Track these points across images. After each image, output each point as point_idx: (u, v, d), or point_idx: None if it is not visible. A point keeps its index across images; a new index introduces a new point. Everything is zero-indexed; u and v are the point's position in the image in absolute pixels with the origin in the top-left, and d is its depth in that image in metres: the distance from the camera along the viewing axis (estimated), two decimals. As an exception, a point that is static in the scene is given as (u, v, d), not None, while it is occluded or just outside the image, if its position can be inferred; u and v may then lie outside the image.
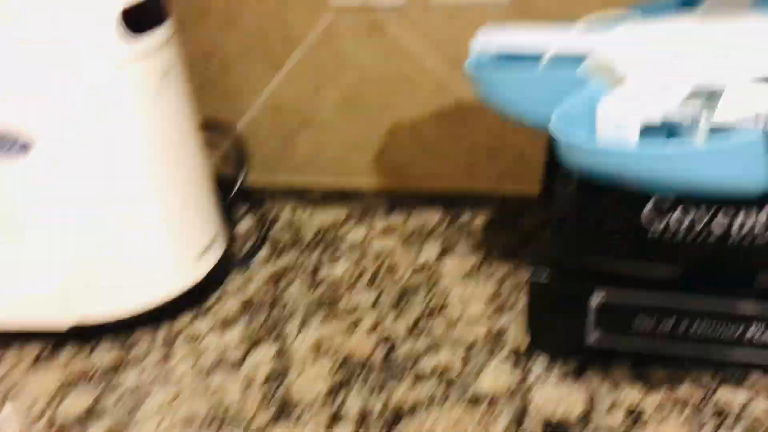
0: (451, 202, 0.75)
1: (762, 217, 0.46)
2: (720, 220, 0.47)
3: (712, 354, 0.50)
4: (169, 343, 0.59)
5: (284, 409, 0.51)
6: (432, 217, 0.73)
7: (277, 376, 0.54)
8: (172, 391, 0.54)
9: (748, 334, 0.48)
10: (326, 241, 0.71)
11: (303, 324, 0.60)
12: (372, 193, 0.78)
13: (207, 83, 0.76)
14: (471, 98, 0.71)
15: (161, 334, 0.60)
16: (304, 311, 0.61)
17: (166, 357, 0.57)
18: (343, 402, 0.52)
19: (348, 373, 0.54)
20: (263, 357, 0.56)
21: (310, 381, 0.54)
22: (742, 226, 0.46)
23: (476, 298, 0.61)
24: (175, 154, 0.58)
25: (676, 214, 0.47)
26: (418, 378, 0.53)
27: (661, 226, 0.48)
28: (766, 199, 0.45)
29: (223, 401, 0.53)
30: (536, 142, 0.72)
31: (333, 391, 0.53)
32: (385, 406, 0.51)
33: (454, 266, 0.65)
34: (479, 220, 0.72)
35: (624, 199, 0.48)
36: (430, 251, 0.68)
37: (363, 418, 0.50)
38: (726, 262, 0.48)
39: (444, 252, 0.67)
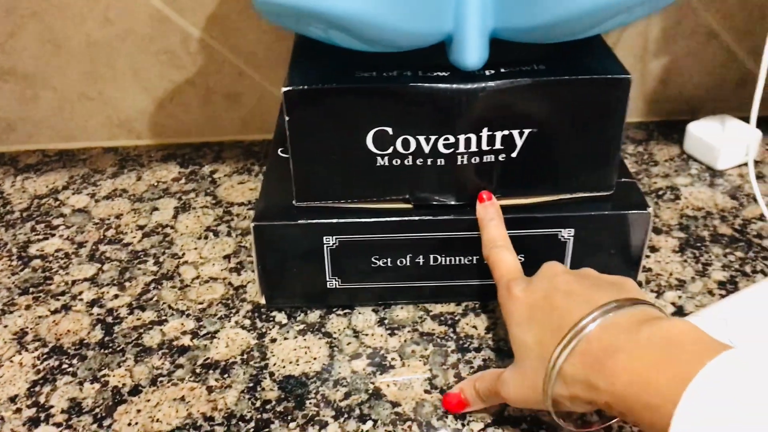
0: (189, 156, 0.67)
1: (484, 133, 0.43)
2: (444, 142, 0.44)
3: (453, 284, 0.47)
4: None
5: (-28, 418, 0.42)
6: (168, 173, 0.65)
7: (-35, 378, 0.45)
8: None
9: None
10: (41, 212, 0.60)
11: (3, 313, 0.50)
12: (98, 152, 0.68)
13: None
14: (198, 35, 0.63)
15: None
16: (7, 298, 0.51)
17: None
18: (47, 397, 0.43)
19: (57, 362, 0.45)
20: (-52, 358, 0.46)
21: (8, 378, 0.45)
22: (467, 144, 0.44)
23: (214, 257, 0.54)
24: None
25: (400, 140, 0.44)
26: (142, 354, 0.46)
27: (388, 153, 0.44)
28: (481, 119, 0.43)
29: None
30: (278, 81, 0.66)
31: (37, 385, 0.44)
32: (99, 392, 0.43)
33: (192, 224, 0.58)
34: (221, 172, 0.65)
35: (345, 132, 0.43)
36: (164, 211, 0.60)
37: (72, 411, 0.42)
38: (457, 185, 0.45)
39: (180, 210, 0.60)
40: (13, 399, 0.43)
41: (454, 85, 0.42)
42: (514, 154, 0.44)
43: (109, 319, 0.49)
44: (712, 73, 0.67)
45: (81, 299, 0.51)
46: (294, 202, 0.46)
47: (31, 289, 0.52)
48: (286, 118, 0.43)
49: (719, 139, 0.61)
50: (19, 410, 0.42)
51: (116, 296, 0.51)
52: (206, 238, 0.56)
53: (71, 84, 0.66)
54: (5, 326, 0.49)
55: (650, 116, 0.70)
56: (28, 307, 0.50)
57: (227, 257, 0.54)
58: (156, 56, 0.65)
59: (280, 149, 0.53)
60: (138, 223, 0.58)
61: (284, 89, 0.42)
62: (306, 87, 0.42)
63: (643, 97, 0.69)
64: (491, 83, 0.42)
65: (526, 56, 0.44)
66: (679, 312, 0.48)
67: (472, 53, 0.41)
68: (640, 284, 0.49)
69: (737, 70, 0.67)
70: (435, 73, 0.43)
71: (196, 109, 0.68)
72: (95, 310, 0.50)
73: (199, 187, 0.63)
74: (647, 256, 0.52)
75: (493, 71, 0.43)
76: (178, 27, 0.63)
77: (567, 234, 0.46)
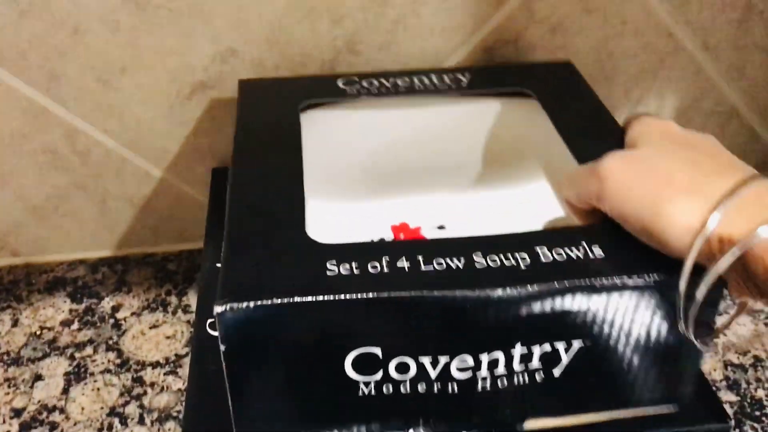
0: (84, 282, 0.51)
1: (516, 350, 0.30)
2: (460, 365, 0.30)
3: None
4: None
5: None
6: (55, 312, 0.49)
7: None
8: None
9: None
10: None
11: None
12: (-42, 281, 0.51)
13: None
14: (86, 128, 0.47)
15: None
16: None
17: None
18: None
19: None
20: None
21: None
22: (493, 365, 0.30)
23: (122, 466, 0.39)
24: None
25: (394, 362, 0.30)
26: None
27: (375, 378, 0.30)
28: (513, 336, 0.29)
29: None
30: (196, 181, 0.50)
31: None
32: None
33: (89, 404, 0.43)
34: (127, 308, 0.49)
35: (312, 359, 0.29)
36: (50, 381, 0.44)
37: None
38: (477, 415, 0.32)
39: (73, 378, 0.44)
40: None
41: (471, 293, 0.28)
42: (557, 373, 0.31)
43: None
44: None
45: None
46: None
47: None
48: (222, 347, 0.28)
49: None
50: None
51: None
52: (110, 428, 0.41)
53: None
54: None
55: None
56: None
57: (140, 468, 0.39)
58: (32, 156, 0.48)
59: (209, 321, 0.38)
60: (13, 404, 0.43)
61: (218, 309, 0.28)
62: (251, 304, 0.28)
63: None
64: (527, 288, 0.29)
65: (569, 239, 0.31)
66: None
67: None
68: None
69: (761, 152, 0.56)
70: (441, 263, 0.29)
71: (90, 218, 0.51)
72: None
73: (98, 335, 0.47)
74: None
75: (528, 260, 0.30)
76: (60, 120, 0.47)
77: (625, 467, 0.33)
